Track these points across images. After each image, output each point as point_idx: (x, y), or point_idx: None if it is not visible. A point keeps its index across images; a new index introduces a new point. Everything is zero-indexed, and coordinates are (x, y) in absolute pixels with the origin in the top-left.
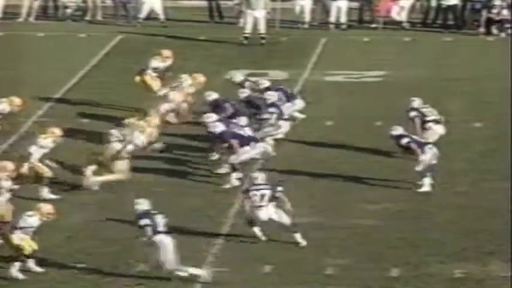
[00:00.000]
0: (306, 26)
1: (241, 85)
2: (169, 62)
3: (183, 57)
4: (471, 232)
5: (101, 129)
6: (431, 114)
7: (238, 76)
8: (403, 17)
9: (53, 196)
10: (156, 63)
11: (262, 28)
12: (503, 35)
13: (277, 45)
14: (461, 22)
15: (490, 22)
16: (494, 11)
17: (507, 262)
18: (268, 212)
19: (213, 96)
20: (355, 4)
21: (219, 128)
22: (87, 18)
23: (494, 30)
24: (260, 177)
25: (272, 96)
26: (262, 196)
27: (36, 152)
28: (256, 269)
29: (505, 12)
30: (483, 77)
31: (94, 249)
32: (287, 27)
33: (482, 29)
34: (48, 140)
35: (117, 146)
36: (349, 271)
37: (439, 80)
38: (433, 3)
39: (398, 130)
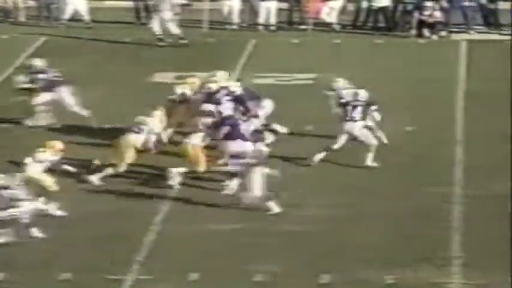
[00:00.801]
0: (234, 27)
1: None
2: None
3: (108, 60)
4: (404, 238)
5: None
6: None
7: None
8: (333, 18)
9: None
10: None
11: (172, 29)
12: (435, 37)
13: (206, 47)
14: (393, 24)
15: (421, 24)
16: (426, 13)
17: (440, 268)
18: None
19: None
20: (284, 5)
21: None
22: (10, 19)
23: (426, 33)
24: None
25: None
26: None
27: (32, 166)
28: (183, 277)
29: (437, 14)
30: (415, 79)
31: None
32: (215, 28)
33: (413, 31)
34: (46, 154)
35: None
36: (279, 278)
37: (371, 82)
38: (364, 4)
39: None
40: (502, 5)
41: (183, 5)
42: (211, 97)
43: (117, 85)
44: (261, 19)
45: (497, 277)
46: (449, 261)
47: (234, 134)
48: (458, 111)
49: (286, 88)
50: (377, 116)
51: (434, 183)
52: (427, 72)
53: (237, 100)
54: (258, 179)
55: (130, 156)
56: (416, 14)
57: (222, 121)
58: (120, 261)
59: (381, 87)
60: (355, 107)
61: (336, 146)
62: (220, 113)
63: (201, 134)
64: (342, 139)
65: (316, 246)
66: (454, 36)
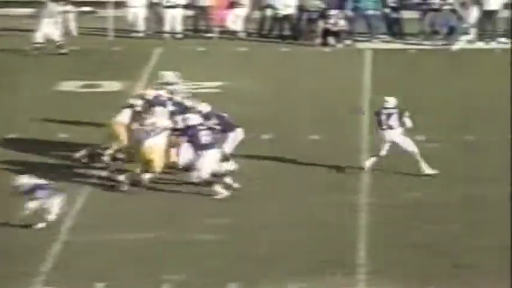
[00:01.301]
0: (140, 34)
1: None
2: None
3: (12, 69)
4: (310, 246)
5: None
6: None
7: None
8: (238, 26)
9: None
10: None
11: (56, 36)
12: (340, 46)
13: (111, 55)
14: (298, 32)
15: (326, 33)
16: (331, 21)
17: (346, 276)
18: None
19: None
20: (190, 12)
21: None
22: None
23: (331, 41)
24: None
25: None
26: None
27: None
28: (89, 287)
29: (342, 22)
30: (320, 88)
31: None
32: (121, 36)
33: (319, 40)
34: None
35: None
36: (184, 286)
37: (277, 91)
38: (268, 12)
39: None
40: (405, 15)
41: (87, 13)
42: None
43: (22, 93)
44: (167, 27)
45: (402, 284)
46: (355, 269)
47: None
48: (364, 119)
49: (193, 96)
50: (408, 123)
51: (340, 191)
52: (332, 81)
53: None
54: (208, 161)
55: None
56: (321, 23)
57: (184, 130)
58: (24, 273)
59: (287, 96)
60: (389, 114)
61: (382, 153)
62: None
63: (161, 136)
64: (385, 147)
65: (224, 255)
66: (359, 45)
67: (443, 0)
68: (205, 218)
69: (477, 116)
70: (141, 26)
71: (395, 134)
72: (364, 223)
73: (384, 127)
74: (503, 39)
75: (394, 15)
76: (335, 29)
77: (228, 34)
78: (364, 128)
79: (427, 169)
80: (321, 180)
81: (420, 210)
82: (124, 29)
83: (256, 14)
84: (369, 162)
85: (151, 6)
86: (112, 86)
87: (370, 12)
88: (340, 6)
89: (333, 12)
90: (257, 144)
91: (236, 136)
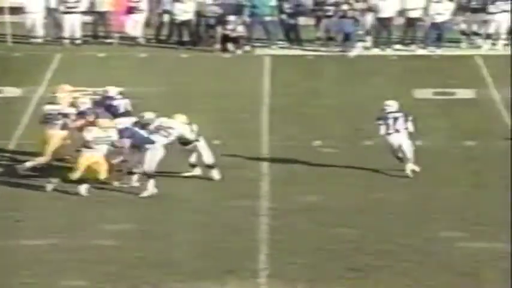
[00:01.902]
0: (39, 40)
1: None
2: None
3: None
4: (212, 250)
5: None
6: None
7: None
8: (138, 32)
9: None
10: None
11: None
12: (239, 52)
13: (11, 61)
14: (197, 38)
15: (225, 39)
16: (229, 27)
17: (246, 280)
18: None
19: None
20: (88, 18)
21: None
22: None
23: (230, 47)
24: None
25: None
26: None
27: None
28: None
29: (240, 29)
30: (220, 93)
31: None
32: (20, 42)
33: (218, 46)
34: None
35: None
36: None
37: (178, 96)
38: (165, 18)
39: None
40: (302, 21)
41: None
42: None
43: None
44: (66, 33)
45: (300, 287)
46: (256, 273)
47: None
48: (263, 124)
49: None
50: (411, 127)
51: (241, 196)
52: (232, 87)
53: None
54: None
55: None
56: (219, 29)
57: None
58: None
59: (188, 101)
60: (396, 118)
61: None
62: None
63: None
64: (395, 150)
65: (124, 260)
66: (258, 51)
67: (337, 7)
68: (106, 224)
69: (373, 120)
70: (39, 31)
71: (403, 137)
72: (265, 228)
73: (391, 131)
74: (398, 46)
75: (291, 21)
76: (234, 35)
77: (128, 40)
78: (264, 132)
79: (413, 170)
80: (223, 185)
81: (317, 214)
82: (23, 34)
83: (154, 20)
84: (408, 168)
85: (49, 11)
86: (12, 91)
87: (267, 18)
88: (238, 13)
89: (231, 18)
90: None
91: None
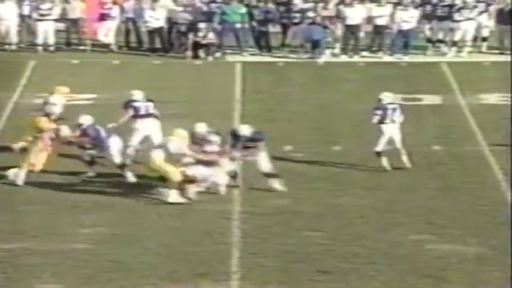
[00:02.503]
0: (13, 47)
1: None
2: None
3: None
4: (183, 254)
5: None
6: None
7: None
8: (110, 39)
9: None
10: None
11: None
12: (210, 58)
13: None
14: (168, 45)
15: (196, 46)
16: (200, 34)
17: (219, 282)
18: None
19: None
20: (61, 25)
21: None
22: None
23: (202, 54)
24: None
25: None
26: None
27: None
28: None
29: (211, 35)
30: (193, 99)
31: None
32: None
33: (189, 53)
34: None
35: None
36: None
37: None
38: (142, 26)
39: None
40: (272, 28)
41: None
42: None
43: None
44: (40, 39)
45: None
46: (228, 276)
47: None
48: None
49: (67, 108)
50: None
51: (213, 200)
52: (203, 93)
53: None
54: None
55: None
56: (190, 36)
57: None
58: None
59: (161, 106)
60: (394, 109)
61: (378, 149)
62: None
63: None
64: (384, 140)
65: (97, 263)
66: (229, 58)
67: (303, 14)
68: (79, 228)
69: (342, 126)
70: (13, 38)
71: (395, 128)
72: (236, 231)
73: (387, 121)
74: (365, 53)
75: (261, 28)
76: (204, 41)
77: (100, 47)
78: None
79: (408, 163)
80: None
81: (287, 218)
82: None
83: (125, 27)
84: (385, 162)
85: (22, 18)
86: None
87: (238, 25)
88: (209, 20)
89: (201, 25)
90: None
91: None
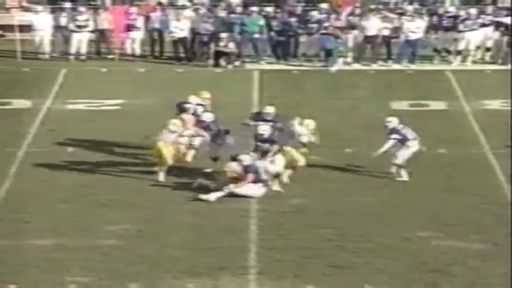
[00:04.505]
0: (46, 56)
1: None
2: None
3: None
4: (203, 250)
5: None
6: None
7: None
8: (136, 49)
9: None
10: None
11: None
12: (230, 67)
13: (20, 75)
14: (191, 54)
15: (218, 54)
16: (221, 43)
17: (237, 276)
18: None
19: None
20: (91, 36)
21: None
22: None
23: (222, 63)
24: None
25: None
26: None
27: None
28: None
29: (231, 45)
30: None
31: None
32: (29, 58)
33: (211, 61)
34: None
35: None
36: None
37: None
38: (167, 36)
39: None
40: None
41: None
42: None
43: None
44: (73, 49)
45: (287, 283)
46: (246, 270)
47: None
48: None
49: (96, 113)
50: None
51: (232, 199)
52: (224, 99)
53: None
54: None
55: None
56: (212, 45)
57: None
58: None
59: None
60: (404, 128)
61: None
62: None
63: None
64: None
65: (123, 258)
66: (248, 66)
67: (319, 25)
68: (107, 225)
69: (353, 130)
70: (46, 48)
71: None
72: (254, 228)
73: (410, 138)
74: (380, 62)
75: (279, 38)
76: (225, 50)
77: (127, 56)
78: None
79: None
80: None
81: (302, 216)
82: (31, 51)
83: (151, 37)
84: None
85: (58, 29)
86: (22, 103)
87: (257, 35)
88: (229, 30)
89: (223, 35)
90: None
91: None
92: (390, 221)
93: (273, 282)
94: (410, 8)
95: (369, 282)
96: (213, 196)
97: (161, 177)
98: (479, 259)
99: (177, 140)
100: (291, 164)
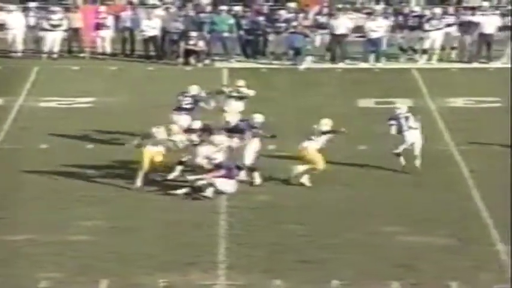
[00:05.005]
0: (19, 55)
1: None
2: None
3: None
4: (176, 246)
5: None
6: None
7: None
8: (107, 47)
9: None
10: None
11: None
12: (200, 65)
13: None
14: (162, 53)
15: (188, 53)
16: (191, 42)
17: (207, 271)
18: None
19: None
20: (64, 34)
21: None
22: None
23: (192, 61)
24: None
25: None
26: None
27: None
28: None
29: (201, 44)
30: None
31: None
32: (1, 56)
33: (181, 59)
34: None
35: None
36: (61, 284)
37: (145, 106)
38: (137, 34)
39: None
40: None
41: None
42: None
43: None
44: (46, 48)
45: (256, 278)
46: (216, 265)
47: None
48: None
49: (68, 110)
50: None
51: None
52: None
53: None
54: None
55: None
56: (182, 44)
57: None
58: None
59: (154, 109)
60: (407, 117)
61: (398, 151)
62: None
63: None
64: (405, 146)
65: (96, 254)
66: (217, 64)
67: (288, 24)
68: (79, 221)
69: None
70: (19, 46)
71: (417, 134)
72: (224, 224)
73: (405, 128)
74: (347, 61)
75: (248, 37)
76: (195, 49)
77: (98, 54)
78: None
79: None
80: None
81: (270, 212)
82: (4, 49)
83: (121, 36)
84: (402, 160)
85: (30, 28)
86: None
87: (226, 34)
88: (199, 29)
89: (192, 34)
90: (129, 153)
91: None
92: (358, 217)
93: (242, 276)
94: (379, 7)
95: (336, 277)
96: (181, 190)
97: (138, 182)
98: (444, 253)
99: (162, 147)
100: (311, 166)
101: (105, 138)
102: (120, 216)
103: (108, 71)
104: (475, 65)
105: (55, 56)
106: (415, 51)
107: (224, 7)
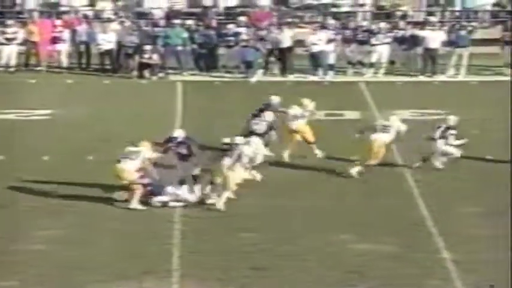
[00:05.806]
0: None
1: None
2: None
3: None
4: (131, 255)
5: None
6: None
7: None
8: (63, 60)
9: None
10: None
11: None
12: (154, 78)
13: None
14: (117, 66)
15: (142, 66)
16: (146, 56)
17: (162, 279)
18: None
19: None
20: (20, 48)
21: None
22: None
23: (146, 74)
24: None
25: None
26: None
27: None
28: None
29: (155, 57)
30: (139, 116)
31: None
32: None
33: (135, 73)
34: None
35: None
36: None
37: (101, 118)
38: (93, 48)
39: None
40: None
41: None
42: None
43: None
44: (2, 61)
45: (211, 286)
46: (170, 273)
47: None
48: None
49: (25, 122)
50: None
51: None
52: (148, 109)
53: None
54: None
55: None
56: (137, 57)
57: None
58: None
59: (109, 122)
60: (439, 127)
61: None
62: None
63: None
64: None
65: (51, 263)
66: (171, 77)
67: (237, 37)
68: (36, 231)
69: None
70: None
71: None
72: (178, 233)
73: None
74: (296, 74)
75: (201, 51)
76: (150, 62)
77: (55, 68)
78: None
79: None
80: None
81: (224, 221)
82: None
83: (77, 49)
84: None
85: None
86: None
87: (180, 48)
88: (153, 42)
89: (147, 47)
90: (85, 165)
91: None
92: (313, 225)
93: (196, 284)
94: (332, 21)
95: (291, 284)
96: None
97: (119, 195)
98: (393, 261)
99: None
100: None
101: (62, 150)
102: (75, 226)
103: (65, 84)
104: (420, 78)
105: (12, 69)
106: (363, 64)
107: (178, 21)
